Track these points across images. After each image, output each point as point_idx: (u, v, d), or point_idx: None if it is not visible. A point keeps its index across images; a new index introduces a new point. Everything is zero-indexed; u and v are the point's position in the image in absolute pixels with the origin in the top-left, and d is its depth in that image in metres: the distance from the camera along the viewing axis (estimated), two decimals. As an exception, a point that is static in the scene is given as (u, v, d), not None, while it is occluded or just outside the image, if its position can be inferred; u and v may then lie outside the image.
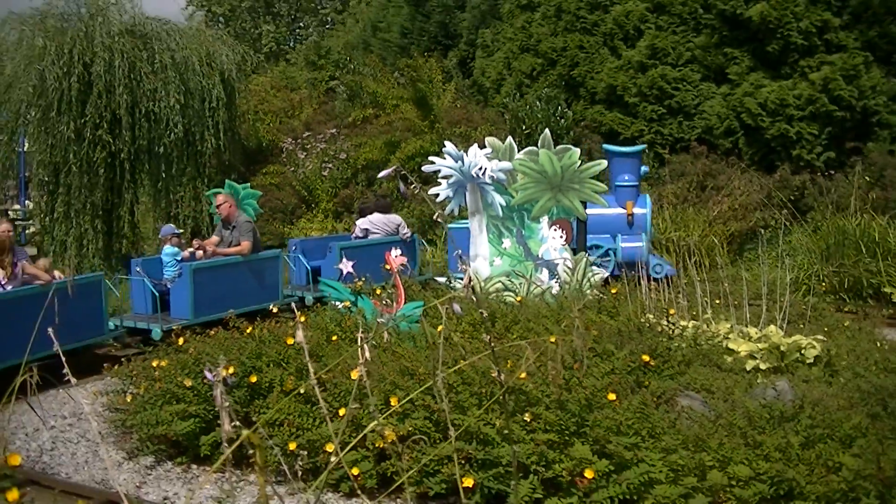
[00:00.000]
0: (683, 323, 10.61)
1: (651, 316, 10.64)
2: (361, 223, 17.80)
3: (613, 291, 12.03)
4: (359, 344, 2.90)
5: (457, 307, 3.02)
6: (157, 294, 14.05)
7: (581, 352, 8.21)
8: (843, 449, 6.70)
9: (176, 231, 15.97)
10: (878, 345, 10.67)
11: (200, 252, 15.29)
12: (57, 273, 13.36)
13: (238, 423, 2.53)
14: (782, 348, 9.71)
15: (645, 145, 20.08)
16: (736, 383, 8.74)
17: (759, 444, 6.65)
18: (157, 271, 14.89)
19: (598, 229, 17.32)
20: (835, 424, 7.04)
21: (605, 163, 14.23)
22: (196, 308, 14.08)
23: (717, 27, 25.55)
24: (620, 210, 18.03)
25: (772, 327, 10.33)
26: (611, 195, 17.32)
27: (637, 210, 18.11)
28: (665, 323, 10.26)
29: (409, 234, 17.86)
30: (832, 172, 22.64)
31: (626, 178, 17.94)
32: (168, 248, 15.20)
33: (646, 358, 8.73)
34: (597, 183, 13.79)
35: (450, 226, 17.58)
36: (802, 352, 9.75)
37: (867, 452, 6.54)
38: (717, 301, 11.66)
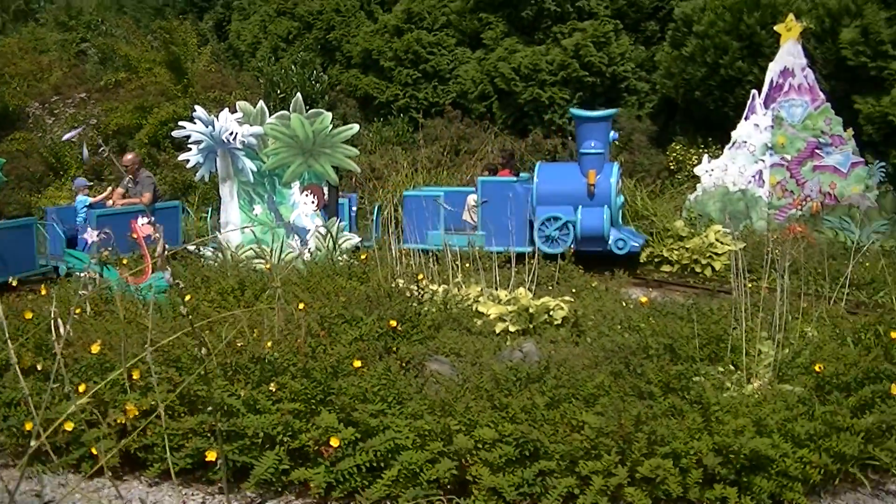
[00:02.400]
0: (433, 287, 10.64)
1: (401, 281, 10.64)
2: None
3: (363, 257, 11.99)
4: (53, 319, 2.71)
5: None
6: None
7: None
8: (587, 408, 6.81)
9: (87, 183, 17.49)
10: (624, 304, 10.96)
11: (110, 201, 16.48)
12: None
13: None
14: (531, 310, 9.85)
15: (616, 110, 18.40)
16: (485, 346, 8.82)
17: (505, 406, 6.69)
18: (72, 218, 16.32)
19: (558, 200, 16.13)
20: (579, 384, 7.15)
21: (356, 127, 14.12)
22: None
23: (474, -8, 25.83)
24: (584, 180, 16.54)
25: (521, 290, 10.47)
26: (574, 163, 16.70)
27: (605, 180, 16.32)
28: (415, 288, 10.26)
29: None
30: (582, 136, 23.21)
31: (593, 144, 16.13)
32: (81, 198, 16.61)
33: (393, 323, 8.69)
34: (349, 147, 13.71)
35: (406, 192, 17.46)
36: (551, 313, 9.91)
37: (609, 410, 6.67)
38: (468, 265, 11.74)
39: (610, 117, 16.40)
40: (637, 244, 15.72)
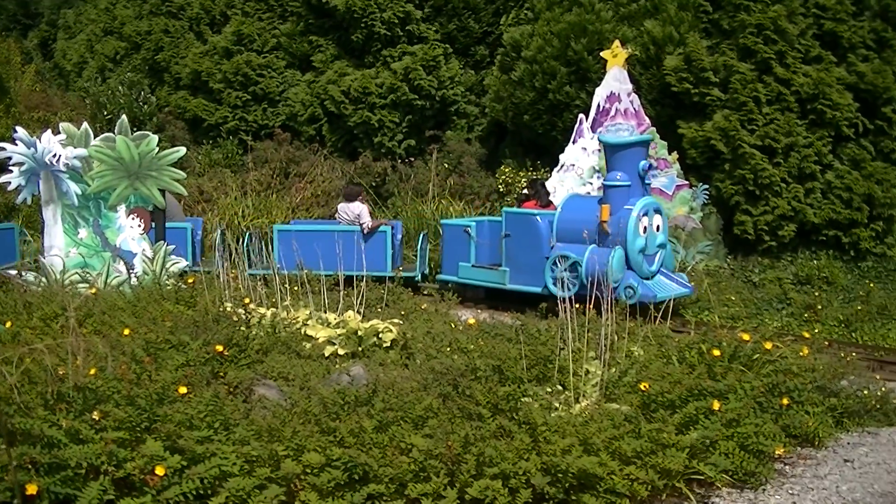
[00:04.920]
0: (262, 310, 10.56)
1: (229, 305, 10.53)
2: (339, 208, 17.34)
3: (191, 281, 11.83)
4: None
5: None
6: None
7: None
8: (416, 430, 6.84)
9: None
10: (453, 326, 11.06)
11: None
12: None
13: None
14: (360, 333, 9.86)
15: (650, 137, 16.29)
16: (314, 370, 8.79)
17: (333, 430, 6.69)
18: None
19: (575, 237, 14.50)
20: (408, 406, 7.18)
21: (182, 149, 13.95)
22: None
23: (304, 15, 25.89)
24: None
25: (350, 312, 10.48)
26: (595, 196, 15.59)
27: (623, 216, 14.58)
28: (242, 311, 10.16)
29: (367, 225, 16.82)
30: (412, 159, 23.43)
31: (619, 176, 14.44)
32: None
33: (219, 348, 8.59)
34: (176, 171, 13.54)
35: (443, 221, 16.98)
36: (380, 336, 9.93)
37: (438, 432, 6.72)
38: (296, 288, 11.68)
39: (641, 144, 14.81)
40: (652, 294, 13.88)
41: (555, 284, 14.25)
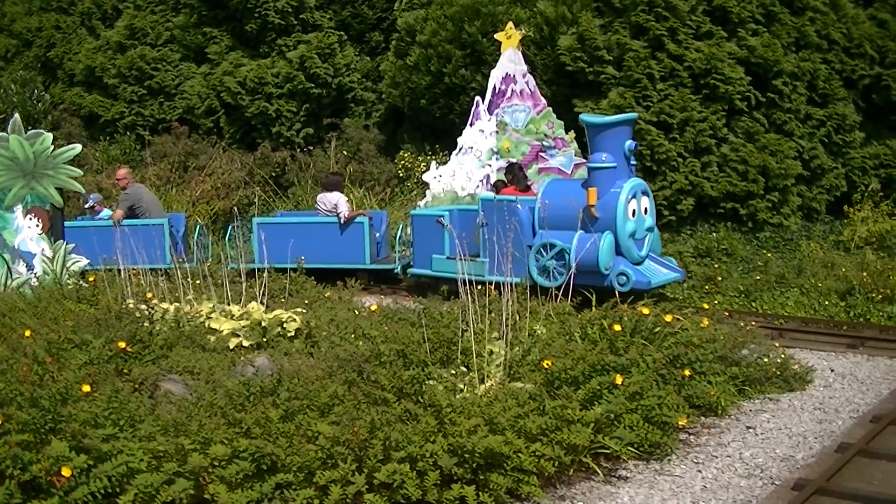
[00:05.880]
0: (165, 305, 10.50)
1: (131, 302, 10.45)
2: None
3: (91, 279, 11.72)
4: None
5: None
6: None
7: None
8: (322, 418, 6.88)
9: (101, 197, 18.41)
10: (356, 313, 11.08)
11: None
12: None
13: None
14: (264, 324, 9.87)
15: (634, 115, 14.61)
16: (219, 363, 8.78)
17: (239, 421, 6.70)
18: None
19: (561, 224, 13.46)
20: (313, 395, 7.22)
21: (78, 147, 13.79)
22: None
23: (197, 7, 25.62)
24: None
25: (253, 304, 10.46)
26: (577, 179, 14.76)
27: (611, 199, 13.46)
28: (145, 307, 10.10)
29: (343, 215, 16.30)
30: (311, 148, 23.34)
31: (604, 157, 13.41)
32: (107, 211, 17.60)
33: (122, 344, 8.54)
34: (72, 168, 13.39)
35: (412, 212, 16.29)
36: (284, 326, 9.95)
37: (344, 418, 6.76)
38: (198, 281, 11.62)
39: (626, 123, 13.75)
40: (647, 280, 13.20)
41: (540, 274, 13.44)
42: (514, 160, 16.99)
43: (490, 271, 13.26)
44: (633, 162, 13.58)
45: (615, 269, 13.05)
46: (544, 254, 13.43)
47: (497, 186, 15.97)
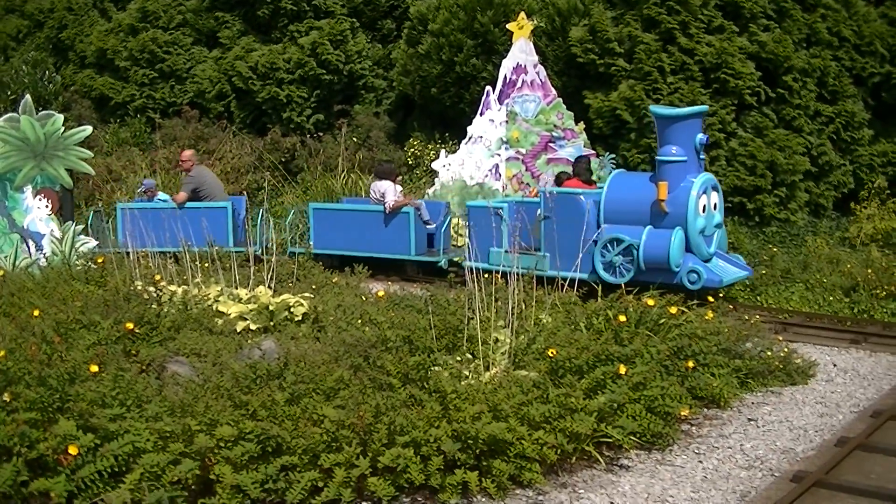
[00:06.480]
0: (173, 288, 10.57)
1: (140, 284, 10.51)
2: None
3: (100, 260, 11.78)
4: None
5: None
6: None
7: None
8: (327, 402, 6.95)
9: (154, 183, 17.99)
10: (363, 299, 11.15)
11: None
12: None
13: None
14: (271, 308, 9.93)
15: (705, 107, 14.49)
16: (225, 346, 8.85)
17: (245, 403, 6.76)
18: None
19: (627, 218, 13.19)
20: (319, 379, 7.29)
21: (89, 129, 13.87)
22: None
23: (210, -10, 25.64)
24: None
25: (261, 288, 10.52)
26: (649, 173, 14.07)
27: (682, 194, 13.02)
28: (153, 289, 10.16)
29: (389, 204, 15.82)
30: (321, 134, 23.33)
31: (674, 150, 12.97)
32: (162, 195, 17.16)
33: (130, 326, 8.61)
34: (82, 150, 13.46)
35: (468, 203, 15.38)
36: (291, 310, 10.01)
37: (349, 403, 6.83)
38: (206, 264, 11.67)
39: (698, 115, 13.37)
40: (718, 278, 12.84)
41: (605, 270, 13.08)
42: (524, 150, 17.05)
43: (552, 266, 12.91)
44: (702, 156, 13.23)
45: (685, 267, 12.69)
46: (611, 249, 13.03)
47: (560, 178, 15.66)
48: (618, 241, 12.92)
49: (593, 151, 18.07)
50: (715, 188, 13.35)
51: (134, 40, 25.88)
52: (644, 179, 13.45)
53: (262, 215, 16.59)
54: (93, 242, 13.73)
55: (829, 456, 7.42)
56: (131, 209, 15.11)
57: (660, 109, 13.61)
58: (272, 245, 14.31)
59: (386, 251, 15.78)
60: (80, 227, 13.93)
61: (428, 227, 15.95)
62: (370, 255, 15.44)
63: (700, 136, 13.01)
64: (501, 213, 14.24)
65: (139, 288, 10.27)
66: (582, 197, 13.55)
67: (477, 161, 17.84)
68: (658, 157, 13.19)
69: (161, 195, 17.17)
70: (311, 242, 16.13)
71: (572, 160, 17.24)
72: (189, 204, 16.10)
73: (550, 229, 13.10)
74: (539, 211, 13.83)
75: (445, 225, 16.23)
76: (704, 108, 13.96)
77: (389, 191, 15.89)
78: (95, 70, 27.03)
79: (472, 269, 9.09)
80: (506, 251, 13.72)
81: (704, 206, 12.95)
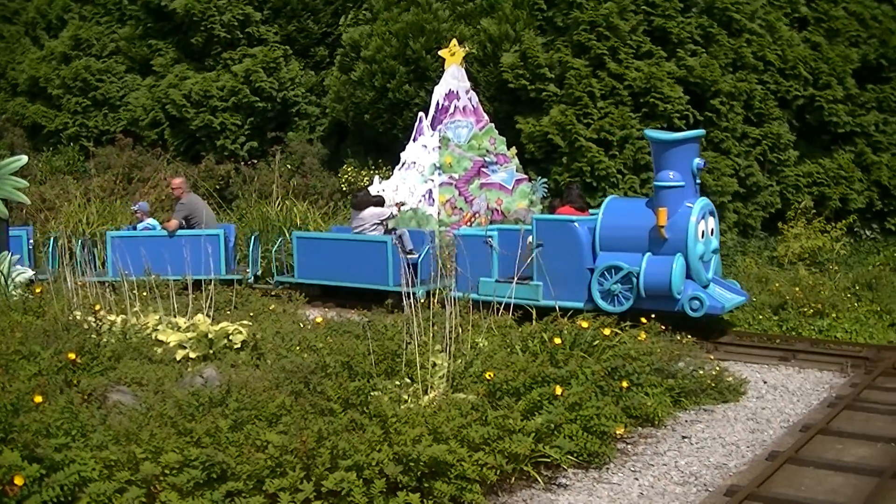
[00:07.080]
0: (111, 318, 10.58)
1: (78, 313, 10.52)
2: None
3: (38, 290, 11.76)
4: None
5: None
6: None
7: None
8: (270, 427, 7.03)
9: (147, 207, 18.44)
10: (301, 325, 11.24)
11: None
12: None
13: None
14: (210, 336, 9.98)
15: (702, 131, 14.22)
16: (167, 374, 8.89)
17: (190, 430, 6.83)
18: None
19: (624, 245, 12.96)
20: (261, 405, 7.37)
21: (24, 158, 13.83)
22: None
23: (143, 18, 25.69)
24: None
25: (200, 316, 10.58)
26: (639, 199, 14.29)
27: (681, 220, 12.83)
28: (92, 319, 10.18)
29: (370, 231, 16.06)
30: (255, 161, 23.40)
31: (671, 175, 12.80)
32: (150, 221, 17.49)
33: (72, 356, 8.63)
34: (17, 179, 13.42)
35: (455, 232, 15.23)
36: (230, 338, 10.07)
37: (292, 428, 6.92)
38: (145, 293, 11.69)
39: (694, 139, 13.20)
40: (720, 305, 12.67)
41: (604, 299, 12.81)
42: (457, 175, 17.22)
43: (546, 295, 12.78)
44: (698, 181, 13.08)
45: (686, 294, 12.50)
46: (609, 277, 12.78)
47: (553, 206, 15.28)
48: (616, 268, 12.72)
49: (526, 176, 18.27)
50: (712, 213, 13.27)
51: (67, 68, 25.81)
52: (640, 205, 13.31)
53: (254, 243, 16.79)
54: (29, 272, 13.68)
55: (760, 470, 7.61)
56: (121, 237, 15.54)
57: (656, 134, 13.48)
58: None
59: (364, 281, 15.65)
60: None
61: (410, 256, 15.61)
62: (349, 286, 15.69)
63: (697, 160, 12.89)
64: (491, 242, 14.04)
65: (78, 318, 10.28)
66: (576, 224, 13.31)
67: (410, 186, 17.94)
68: (656, 183, 13.01)
69: (150, 221, 17.35)
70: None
71: (505, 185, 17.45)
72: (182, 231, 16.33)
73: (544, 258, 13.03)
74: (531, 238, 13.46)
75: (425, 253, 15.84)
76: (701, 132, 13.91)
77: (368, 217, 16.14)
78: (28, 98, 26.91)
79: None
80: (497, 280, 13.64)
81: (703, 231, 12.85)
